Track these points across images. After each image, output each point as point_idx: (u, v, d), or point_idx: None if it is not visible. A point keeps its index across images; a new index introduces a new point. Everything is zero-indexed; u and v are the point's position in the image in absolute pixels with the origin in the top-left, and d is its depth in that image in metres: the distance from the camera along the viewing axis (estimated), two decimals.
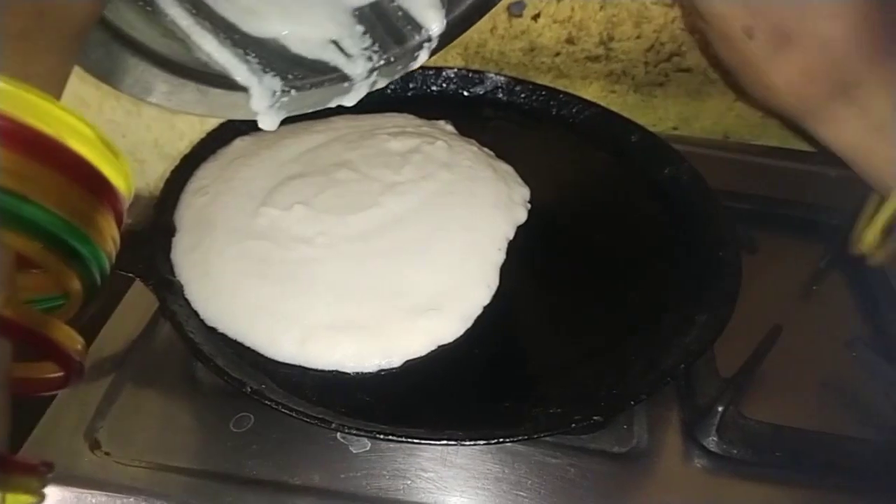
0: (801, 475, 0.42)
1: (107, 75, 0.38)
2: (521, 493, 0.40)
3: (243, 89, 0.44)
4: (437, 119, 0.58)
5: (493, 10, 0.62)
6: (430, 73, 0.63)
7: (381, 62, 0.46)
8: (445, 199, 0.49)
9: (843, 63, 0.25)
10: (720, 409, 0.41)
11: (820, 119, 0.26)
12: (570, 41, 0.64)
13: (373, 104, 0.53)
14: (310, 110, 0.46)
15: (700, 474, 0.41)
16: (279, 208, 0.47)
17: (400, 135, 0.55)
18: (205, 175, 0.52)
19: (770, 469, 0.42)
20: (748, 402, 0.43)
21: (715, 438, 0.42)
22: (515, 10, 0.63)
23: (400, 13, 0.44)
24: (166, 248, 0.46)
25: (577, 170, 0.57)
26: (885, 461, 0.42)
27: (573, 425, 0.38)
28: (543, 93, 0.62)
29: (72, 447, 0.40)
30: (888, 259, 0.32)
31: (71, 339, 0.26)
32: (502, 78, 0.63)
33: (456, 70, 0.63)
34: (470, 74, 0.63)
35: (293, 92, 0.45)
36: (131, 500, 0.38)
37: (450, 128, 0.58)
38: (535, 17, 0.63)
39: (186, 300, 0.43)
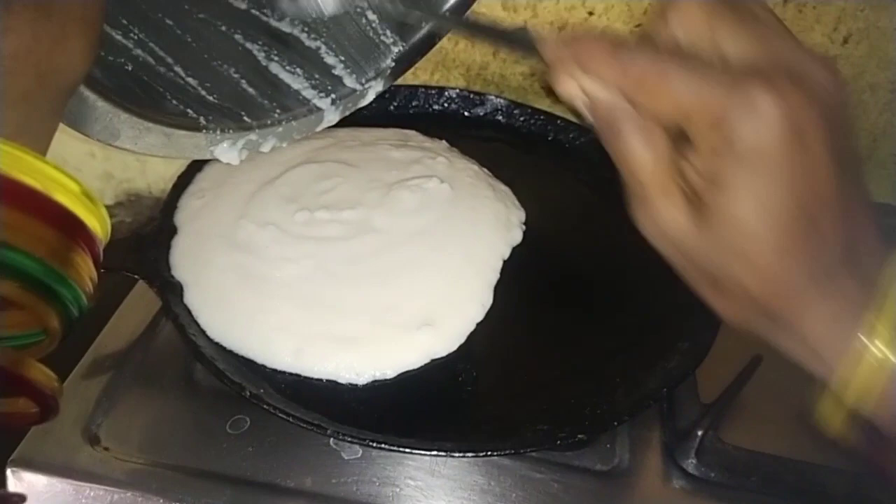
0: (776, 500, 0.43)
1: (75, 122, 0.39)
2: None
3: (205, 129, 0.45)
4: (437, 138, 0.60)
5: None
6: (433, 92, 0.64)
7: (332, 100, 0.48)
8: (446, 215, 0.50)
9: (761, 303, 0.28)
10: (700, 433, 0.43)
11: (763, 337, 0.30)
12: None
13: (375, 119, 0.54)
14: (270, 148, 0.48)
15: (678, 495, 0.43)
16: (256, 224, 0.47)
17: (402, 147, 0.56)
18: (206, 177, 0.53)
19: (746, 493, 0.43)
20: (727, 427, 0.45)
21: (694, 461, 0.43)
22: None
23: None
24: (168, 249, 0.47)
25: (571, 194, 0.59)
26: (856, 491, 0.43)
27: (558, 442, 0.40)
28: (542, 117, 0.64)
29: (71, 441, 0.41)
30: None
31: (45, 377, 0.27)
32: (502, 101, 0.64)
33: (458, 91, 0.64)
34: (471, 96, 0.64)
35: (253, 134, 0.46)
36: (128, 494, 0.39)
37: (450, 147, 0.60)
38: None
39: (185, 305, 0.44)
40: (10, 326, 0.27)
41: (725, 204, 0.26)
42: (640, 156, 0.28)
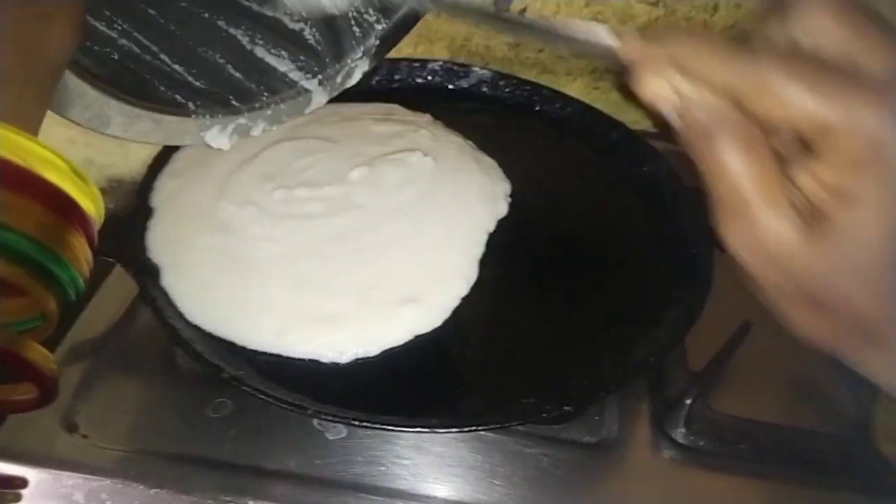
0: (766, 468, 0.43)
1: (66, 110, 0.38)
2: (495, 481, 0.41)
3: (195, 115, 0.45)
4: (421, 112, 0.59)
5: (481, 3, 0.63)
6: (416, 65, 0.63)
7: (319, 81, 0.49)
8: (430, 188, 0.49)
9: (869, 323, 0.26)
10: (688, 401, 0.43)
11: (850, 359, 0.28)
12: None
13: (358, 94, 0.53)
14: (260, 132, 0.48)
15: (668, 465, 0.42)
16: (235, 204, 0.47)
17: (384, 121, 0.55)
18: (182, 157, 0.51)
19: (736, 461, 0.43)
20: (716, 395, 0.44)
21: (683, 430, 0.43)
22: (502, 5, 0.63)
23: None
24: (144, 231, 0.46)
25: (558, 165, 0.58)
26: (847, 456, 0.43)
27: (545, 415, 0.39)
28: (527, 88, 0.63)
29: (50, 430, 0.40)
30: None
31: (46, 360, 0.27)
32: (487, 72, 0.63)
33: (441, 63, 0.63)
34: (455, 68, 0.63)
35: (243, 118, 0.47)
36: (108, 482, 0.38)
37: (434, 120, 0.59)
38: (522, 12, 0.63)
39: (163, 288, 0.43)
40: (8, 313, 0.27)
41: (855, 220, 0.24)
42: (744, 165, 0.25)
